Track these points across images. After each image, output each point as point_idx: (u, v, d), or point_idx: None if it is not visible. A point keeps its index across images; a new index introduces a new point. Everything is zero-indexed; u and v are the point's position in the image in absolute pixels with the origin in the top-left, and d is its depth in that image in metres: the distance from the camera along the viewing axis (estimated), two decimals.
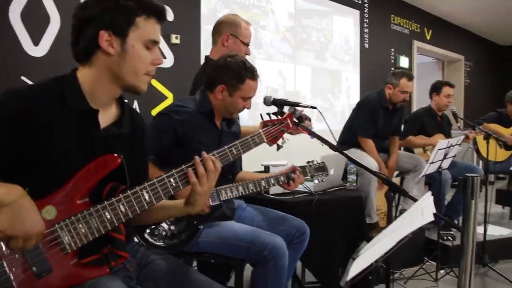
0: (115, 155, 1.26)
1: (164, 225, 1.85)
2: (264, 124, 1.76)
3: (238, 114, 2.35)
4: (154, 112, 3.78)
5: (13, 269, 1.10)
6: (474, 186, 2.00)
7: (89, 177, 1.23)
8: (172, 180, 1.30)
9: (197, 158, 1.37)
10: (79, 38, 1.28)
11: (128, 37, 1.27)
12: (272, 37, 4.97)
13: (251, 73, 2.14)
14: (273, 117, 1.87)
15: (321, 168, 2.46)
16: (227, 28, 2.73)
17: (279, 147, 1.84)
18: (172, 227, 1.86)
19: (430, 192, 1.62)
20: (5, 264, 1.09)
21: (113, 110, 1.38)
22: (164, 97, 3.94)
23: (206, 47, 4.06)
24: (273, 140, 1.76)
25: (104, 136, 1.33)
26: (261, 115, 1.98)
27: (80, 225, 1.18)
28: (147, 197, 1.25)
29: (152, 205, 1.27)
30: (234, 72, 2.13)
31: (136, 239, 1.74)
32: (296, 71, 5.34)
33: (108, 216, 1.21)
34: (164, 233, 1.81)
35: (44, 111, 1.22)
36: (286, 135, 1.84)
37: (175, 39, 3.93)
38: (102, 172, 1.24)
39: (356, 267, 1.34)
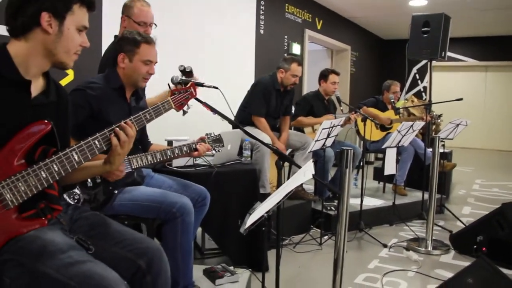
0: (46, 121, 1.44)
1: (76, 190, 2.00)
2: (172, 92, 1.95)
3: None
4: None
5: None
6: (348, 157, 2.39)
7: (23, 141, 1.39)
8: (97, 142, 1.50)
9: (121, 125, 1.57)
10: (17, 14, 1.41)
11: (65, 20, 1.45)
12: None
13: (144, 38, 2.36)
14: (180, 87, 2.07)
15: (218, 140, 2.71)
16: (124, 11, 2.91)
17: (184, 113, 2.06)
18: (85, 191, 2.02)
19: (312, 160, 1.95)
20: None
21: (40, 81, 1.53)
22: (66, 74, 3.94)
23: (106, 29, 4.13)
24: (179, 106, 1.94)
25: (35, 105, 1.48)
26: (169, 85, 2.21)
27: (20, 184, 1.34)
28: (76, 158, 1.43)
29: (80, 164, 1.46)
30: (130, 40, 2.34)
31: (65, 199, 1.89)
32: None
33: (44, 175, 1.38)
34: (77, 196, 1.97)
35: None
36: (190, 102, 2.04)
37: None
38: (35, 136, 1.41)
39: (252, 218, 1.62)
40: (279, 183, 2.08)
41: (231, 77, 6.16)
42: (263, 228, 1.82)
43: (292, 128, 4.77)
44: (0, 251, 1.35)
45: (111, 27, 4.09)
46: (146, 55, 2.35)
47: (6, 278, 1.36)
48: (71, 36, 1.47)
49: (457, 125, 4.81)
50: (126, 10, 2.89)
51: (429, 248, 3.80)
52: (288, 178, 4.39)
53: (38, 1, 1.40)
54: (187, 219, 2.30)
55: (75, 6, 1.46)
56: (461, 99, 5.17)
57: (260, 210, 1.66)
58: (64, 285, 1.33)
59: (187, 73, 2.67)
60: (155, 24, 2.94)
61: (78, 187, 2.00)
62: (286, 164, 2.30)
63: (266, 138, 3.98)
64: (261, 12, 6.68)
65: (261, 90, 4.22)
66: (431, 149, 3.99)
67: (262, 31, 6.72)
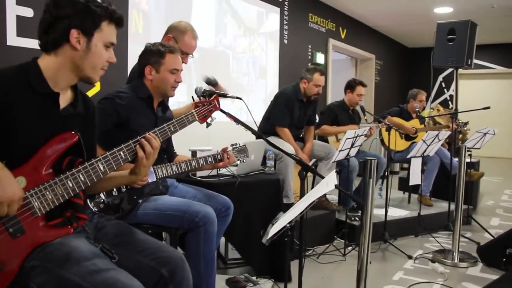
0: (73, 132, 1.49)
1: (102, 196, 2.04)
2: (196, 105, 1.98)
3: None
4: None
5: None
6: (372, 167, 2.36)
7: (52, 151, 1.44)
8: (122, 153, 1.54)
9: (146, 136, 1.61)
10: (49, 30, 1.47)
11: (93, 37, 1.50)
12: None
13: (169, 48, 2.41)
14: (203, 99, 2.09)
15: (243, 150, 2.73)
16: (172, 31, 2.98)
17: (208, 125, 2.08)
18: (109, 200, 2.05)
19: (335, 170, 1.94)
20: None
21: (68, 93, 1.59)
22: (92, 86, 4.03)
23: (132, 44, 4.23)
24: (203, 118, 1.97)
25: (63, 116, 1.53)
26: (192, 98, 2.24)
27: (47, 192, 1.39)
28: (102, 168, 1.47)
29: (106, 175, 1.50)
30: (154, 51, 2.40)
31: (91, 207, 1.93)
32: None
33: (71, 185, 1.42)
34: (102, 205, 2.01)
35: (11, 94, 1.40)
36: (214, 114, 2.07)
37: None
38: (63, 147, 1.46)
39: (274, 228, 1.63)
40: (303, 194, 2.08)
41: (254, 87, 6.21)
42: (286, 239, 1.82)
43: (316, 137, 4.76)
44: (28, 257, 1.39)
45: (136, 42, 4.20)
46: (172, 64, 2.40)
47: (33, 284, 1.39)
48: (98, 53, 1.52)
49: (485, 134, 4.72)
50: (175, 33, 2.96)
51: (456, 260, 3.72)
52: (312, 188, 4.38)
53: (68, 18, 1.46)
54: (210, 228, 2.32)
55: (104, 23, 1.52)
56: (488, 108, 5.07)
57: (283, 220, 1.66)
58: None
59: (211, 84, 2.70)
60: (193, 55, 3.03)
61: (103, 193, 2.04)
62: (310, 174, 2.30)
63: (290, 149, 3.98)
64: (285, 22, 6.71)
65: (284, 100, 4.23)
66: (457, 159, 3.92)
67: (286, 41, 6.75)
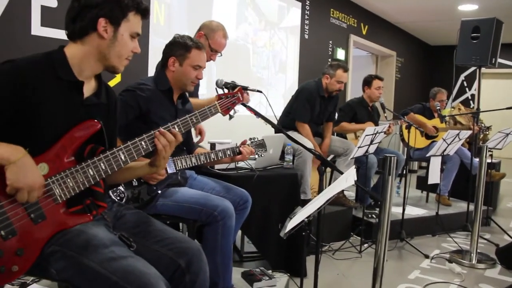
0: (96, 120, 1.50)
1: (121, 188, 2.06)
2: (219, 97, 1.98)
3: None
4: None
5: (15, 216, 1.32)
6: (391, 164, 2.35)
7: (74, 139, 1.46)
8: (143, 143, 1.54)
9: (162, 130, 1.60)
10: (77, 19, 1.49)
11: (120, 27, 1.52)
12: None
13: (195, 43, 2.41)
14: (226, 91, 2.09)
15: (261, 145, 2.73)
16: (204, 29, 3.09)
17: (231, 117, 2.08)
18: (129, 190, 2.08)
19: (354, 166, 1.93)
20: (7, 213, 1.30)
21: (92, 83, 1.60)
22: (114, 76, 4.07)
23: (152, 36, 4.26)
24: (226, 110, 1.96)
25: (86, 105, 1.55)
26: (216, 90, 2.24)
27: (69, 180, 1.41)
28: (123, 157, 1.48)
29: (126, 164, 1.51)
30: (181, 44, 2.40)
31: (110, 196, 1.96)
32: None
33: (91, 173, 1.44)
34: (122, 194, 2.03)
35: (38, 80, 1.42)
36: (236, 107, 2.07)
37: None
38: (86, 135, 1.48)
39: (292, 222, 1.63)
40: (321, 189, 2.07)
41: (274, 81, 6.20)
42: (303, 233, 1.82)
43: (335, 134, 4.74)
44: (48, 243, 1.41)
45: (157, 34, 4.23)
46: (196, 60, 2.40)
47: (52, 269, 1.42)
48: (124, 42, 1.54)
49: (507, 134, 4.64)
50: (207, 31, 3.08)
51: (473, 261, 3.68)
52: (330, 184, 4.37)
53: (97, 7, 1.47)
54: (228, 222, 2.32)
55: (131, 13, 1.53)
56: (511, 108, 4.99)
57: (301, 215, 1.66)
58: (106, 278, 1.38)
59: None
60: (221, 53, 3.14)
61: (123, 185, 2.06)
62: (328, 170, 2.29)
63: (309, 144, 3.95)
64: (306, 16, 6.68)
65: (306, 96, 4.22)
66: (477, 159, 3.86)
67: (306, 36, 6.72)
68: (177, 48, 2.40)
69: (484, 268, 3.62)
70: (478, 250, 3.76)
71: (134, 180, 2.09)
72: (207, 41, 3.02)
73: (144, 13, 1.58)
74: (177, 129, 1.64)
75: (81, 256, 1.41)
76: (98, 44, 1.51)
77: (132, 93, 2.30)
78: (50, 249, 1.41)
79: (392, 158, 2.34)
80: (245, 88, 2.41)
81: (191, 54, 2.39)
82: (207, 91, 4.64)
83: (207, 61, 3.00)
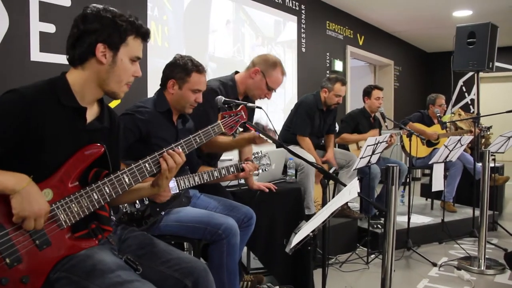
0: (99, 144, 1.51)
1: (125, 208, 2.06)
2: (222, 116, 1.95)
3: None
4: None
5: (20, 243, 1.32)
6: (394, 174, 2.35)
7: (78, 164, 1.47)
8: (147, 165, 1.55)
9: (170, 151, 1.60)
10: (76, 45, 1.50)
11: (119, 51, 1.52)
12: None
13: (196, 67, 2.39)
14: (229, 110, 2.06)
15: (264, 159, 2.73)
16: (261, 64, 2.86)
17: (234, 136, 2.04)
18: (132, 212, 2.07)
19: (356, 178, 1.93)
20: (13, 240, 1.31)
21: (95, 108, 1.61)
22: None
23: (150, 57, 4.29)
24: (230, 129, 1.94)
25: (89, 130, 1.55)
26: (219, 109, 2.23)
27: (73, 205, 1.41)
28: (127, 180, 1.49)
29: (131, 187, 1.51)
30: (181, 66, 2.38)
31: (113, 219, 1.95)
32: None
33: (96, 197, 1.45)
34: (125, 217, 2.02)
35: (42, 109, 1.43)
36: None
37: None
38: (89, 159, 1.49)
39: (297, 237, 1.62)
40: (324, 202, 2.07)
41: (273, 96, 6.19)
42: (309, 247, 1.81)
43: (336, 145, 4.74)
44: (53, 269, 1.41)
45: (155, 54, 4.26)
46: (196, 84, 2.39)
47: None
48: (123, 67, 1.53)
49: (509, 138, 4.64)
50: (265, 67, 2.84)
51: (482, 268, 3.65)
52: (333, 196, 4.36)
53: (95, 32, 1.48)
54: (232, 240, 2.31)
55: (130, 37, 1.53)
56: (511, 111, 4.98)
57: (306, 229, 1.66)
58: None
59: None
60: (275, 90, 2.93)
61: (126, 205, 2.06)
62: (331, 182, 2.29)
63: (310, 158, 3.95)
64: (303, 30, 6.71)
65: (305, 109, 4.23)
66: (480, 164, 3.85)
67: (303, 49, 6.75)
68: (178, 70, 2.38)
69: (493, 274, 3.60)
70: (486, 256, 3.74)
71: (137, 202, 2.09)
72: (264, 79, 2.83)
73: (144, 36, 1.58)
74: (180, 150, 1.64)
75: (87, 282, 1.40)
76: (98, 69, 1.51)
77: (131, 117, 2.29)
78: (55, 276, 1.41)
79: (395, 168, 2.34)
80: (244, 105, 2.41)
81: (191, 78, 2.38)
82: None
83: (261, 98, 2.92)
